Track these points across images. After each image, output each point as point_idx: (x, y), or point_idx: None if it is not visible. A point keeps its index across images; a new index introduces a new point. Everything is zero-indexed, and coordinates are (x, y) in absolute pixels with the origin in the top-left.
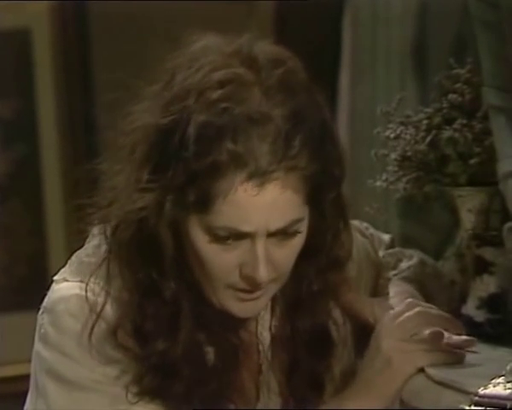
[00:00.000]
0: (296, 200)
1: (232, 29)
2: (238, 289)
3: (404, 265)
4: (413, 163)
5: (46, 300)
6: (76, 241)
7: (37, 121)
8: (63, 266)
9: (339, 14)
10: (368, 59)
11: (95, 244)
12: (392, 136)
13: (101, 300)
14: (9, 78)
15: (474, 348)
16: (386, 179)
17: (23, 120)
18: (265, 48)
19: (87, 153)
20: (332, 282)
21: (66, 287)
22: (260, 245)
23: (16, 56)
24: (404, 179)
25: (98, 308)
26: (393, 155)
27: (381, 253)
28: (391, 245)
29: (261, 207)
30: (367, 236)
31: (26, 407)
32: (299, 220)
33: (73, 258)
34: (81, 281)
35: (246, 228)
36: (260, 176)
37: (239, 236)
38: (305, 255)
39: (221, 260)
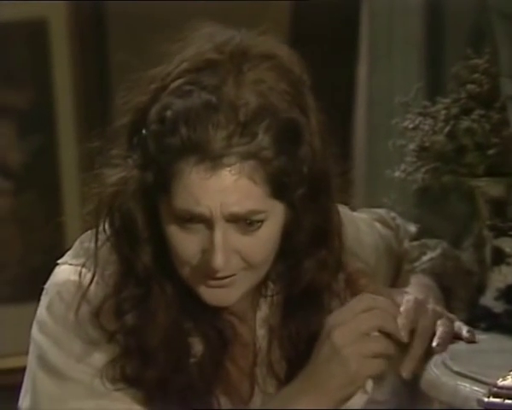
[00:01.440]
0: (255, 190)
1: (247, 26)
2: (204, 275)
3: (426, 257)
4: (431, 154)
5: (48, 282)
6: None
7: (54, 112)
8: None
9: (356, 4)
10: (385, 49)
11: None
12: (410, 126)
13: (87, 281)
14: (26, 68)
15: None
16: (405, 170)
17: (40, 111)
18: (261, 42)
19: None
20: (322, 283)
21: (64, 271)
22: (218, 231)
23: (33, 46)
24: (423, 170)
25: (84, 290)
26: (411, 146)
27: (406, 244)
28: (417, 237)
29: (213, 190)
30: (392, 227)
31: (22, 389)
32: (259, 211)
33: (77, 241)
34: (78, 265)
35: (199, 210)
36: (212, 160)
37: (197, 219)
38: (284, 253)
39: (185, 242)
